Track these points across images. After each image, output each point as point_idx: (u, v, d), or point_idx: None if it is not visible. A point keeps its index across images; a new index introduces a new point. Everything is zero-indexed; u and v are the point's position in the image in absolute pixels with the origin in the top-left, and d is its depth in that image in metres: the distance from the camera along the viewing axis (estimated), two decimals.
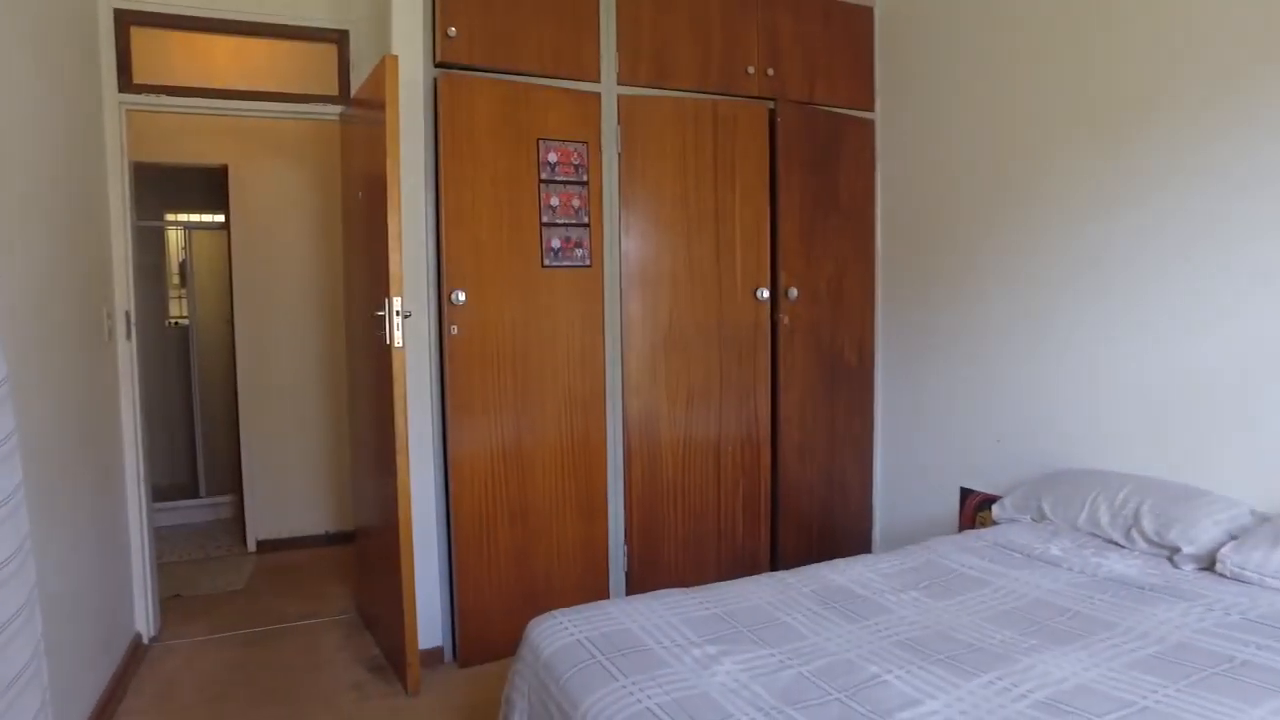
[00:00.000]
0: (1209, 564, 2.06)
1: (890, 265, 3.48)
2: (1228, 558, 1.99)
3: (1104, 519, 2.34)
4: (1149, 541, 2.21)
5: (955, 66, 3.12)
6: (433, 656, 2.78)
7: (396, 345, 2.51)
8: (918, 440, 3.38)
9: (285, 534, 4.22)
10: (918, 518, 3.37)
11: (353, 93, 3.11)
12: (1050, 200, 2.77)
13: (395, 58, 2.50)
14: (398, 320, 2.50)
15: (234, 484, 4.53)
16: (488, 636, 2.77)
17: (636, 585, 3.03)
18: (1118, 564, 2.14)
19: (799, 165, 3.23)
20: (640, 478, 3.04)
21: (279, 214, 4.17)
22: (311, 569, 3.90)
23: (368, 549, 3.10)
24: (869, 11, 3.45)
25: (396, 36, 2.67)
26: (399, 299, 2.51)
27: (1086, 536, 2.36)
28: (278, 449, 4.21)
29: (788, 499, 3.30)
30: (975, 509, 3.09)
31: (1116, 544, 2.29)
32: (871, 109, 3.47)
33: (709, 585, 2.01)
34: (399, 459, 2.53)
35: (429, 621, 2.77)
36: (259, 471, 4.17)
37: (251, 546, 4.16)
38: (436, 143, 2.69)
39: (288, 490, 4.23)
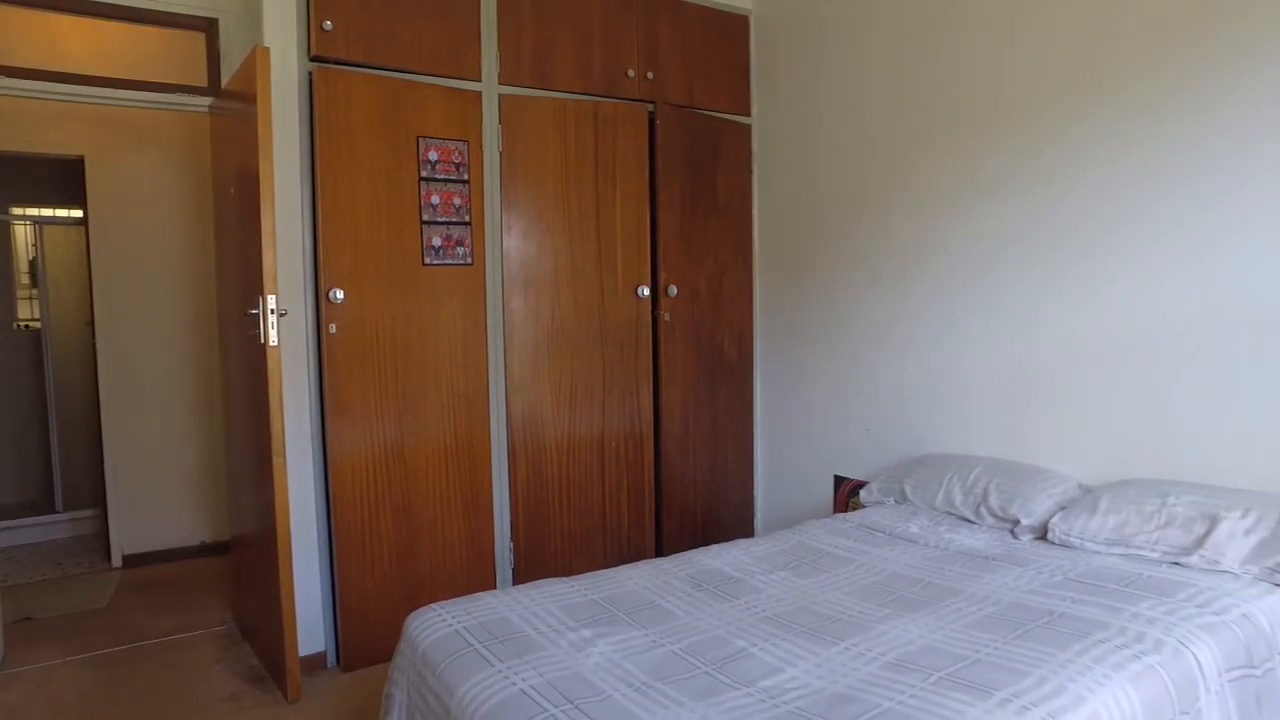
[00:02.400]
0: (1043, 534, 2.27)
1: (767, 263, 3.64)
2: (1056, 527, 2.21)
3: (957, 498, 2.54)
4: (995, 516, 2.41)
5: (825, 74, 3.29)
6: (315, 662, 2.72)
7: (272, 344, 2.45)
8: (795, 431, 3.55)
9: (155, 547, 4.00)
10: (796, 505, 3.54)
11: (223, 84, 3.00)
12: (906, 203, 2.98)
13: (267, 49, 2.44)
14: (272, 319, 2.45)
15: (96, 497, 4.26)
16: (372, 638, 2.73)
17: (523, 580, 3.05)
18: (967, 538, 2.32)
19: (678, 167, 3.34)
20: (525, 474, 3.07)
21: (144, 209, 3.96)
22: (185, 582, 3.72)
23: (245, 556, 3.00)
24: (745, 19, 3.60)
25: (268, 27, 2.60)
26: (273, 297, 2.45)
27: (942, 515, 2.55)
28: (146, 457, 3.99)
29: (671, 491, 3.40)
30: (848, 495, 3.27)
31: (968, 520, 2.49)
32: (748, 113, 3.62)
33: (588, 574, 2.06)
34: (276, 461, 2.46)
35: (310, 626, 2.71)
36: (125, 482, 3.94)
37: (117, 562, 3.93)
38: (312, 138, 2.64)
39: (158, 501, 4.01)
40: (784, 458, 3.61)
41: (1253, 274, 2.10)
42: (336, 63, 2.67)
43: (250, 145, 2.47)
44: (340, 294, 2.66)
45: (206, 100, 3.08)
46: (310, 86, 2.63)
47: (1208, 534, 1.94)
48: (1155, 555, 2.02)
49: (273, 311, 2.44)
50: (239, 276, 2.78)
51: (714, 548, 2.27)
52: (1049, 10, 2.51)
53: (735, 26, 3.57)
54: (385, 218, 2.74)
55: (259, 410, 2.55)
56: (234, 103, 2.70)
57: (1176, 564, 1.98)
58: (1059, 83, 2.49)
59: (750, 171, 3.63)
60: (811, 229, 3.39)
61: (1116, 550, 2.08)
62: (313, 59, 2.65)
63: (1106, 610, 1.71)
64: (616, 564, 3.13)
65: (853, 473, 3.26)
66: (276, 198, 2.51)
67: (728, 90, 3.54)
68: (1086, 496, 2.27)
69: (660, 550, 3.39)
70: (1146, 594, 1.79)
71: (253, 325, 2.54)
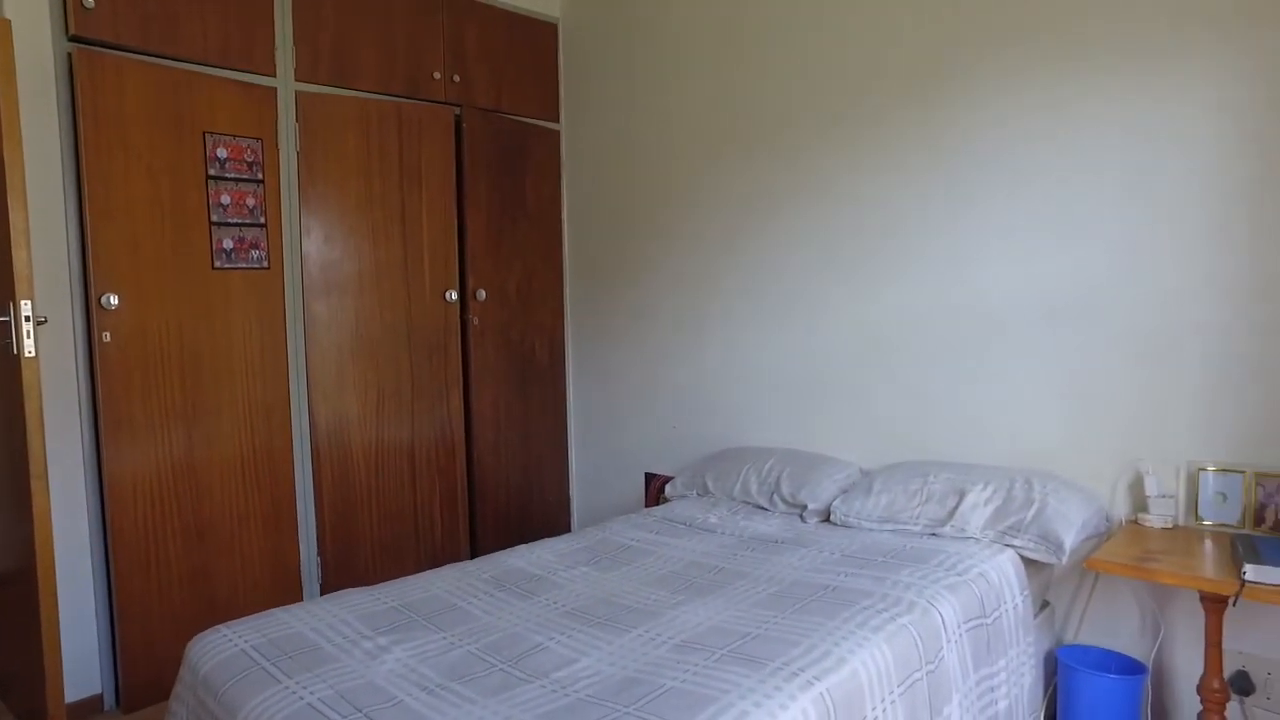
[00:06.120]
0: (827, 516, 2.48)
1: (576, 267, 3.71)
2: (837, 509, 2.42)
3: (754, 488, 2.72)
4: (786, 503, 2.60)
5: (631, 82, 3.41)
6: (89, 707, 2.49)
7: (28, 354, 2.21)
8: (607, 431, 3.64)
9: None
10: (610, 503, 3.63)
11: None
12: (705, 209, 3.15)
13: (8, 22, 2.19)
14: (28, 327, 2.21)
15: None
16: (160, 673, 2.52)
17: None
18: (761, 525, 2.49)
19: (486, 171, 3.34)
20: (331, 484, 2.95)
21: None
22: None
23: (1, 598, 2.67)
24: (554, 27, 3.65)
25: None
26: (28, 302, 2.21)
27: (740, 504, 2.72)
28: None
29: (485, 496, 3.39)
30: (658, 490, 3.40)
31: (762, 508, 2.66)
32: (557, 119, 3.68)
33: (390, 581, 2.02)
34: (35, 484, 2.22)
35: (84, 667, 2.47)
36: None
37: None
38: (75, 127, 2.41)
39: None
40: (597, 457, 3.70)
41: (980, 280, 2.41)
42: (103, 45, 2.45)
43: None
44: (115, 299, 2.45)
45: None
46: (70, 70, 2.40)
47: (957, 506, 2.21)
48: (918, 529, 2.26)
49: (28, 318, 2.20)
50: None
51: (520, 548, 2.30)
52: (833, 36, 2.74)
53: (544, 33, 3.61)
54: (169, 218, 2.56)
55: (14, 429, 2.29)
56: None
57: (934, 535, 2.23)
58: (840, 102, 2.74)
59: (559, 176, 3.69)
60: (619, 233, 3.50)
61: (887, 527, 2.32)
62: (72, 39, 2.42)
63: (873, 580, 1.90)
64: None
65: (662, 469, 3.40)
66: (29, 191, 2.27)
67: (537, 96, 3.58)
68: (864, 480, 2.50)
69: (476, 555, 3.37)
70: (907, 563, 2.01)
71: (4, 334, 2.28)
